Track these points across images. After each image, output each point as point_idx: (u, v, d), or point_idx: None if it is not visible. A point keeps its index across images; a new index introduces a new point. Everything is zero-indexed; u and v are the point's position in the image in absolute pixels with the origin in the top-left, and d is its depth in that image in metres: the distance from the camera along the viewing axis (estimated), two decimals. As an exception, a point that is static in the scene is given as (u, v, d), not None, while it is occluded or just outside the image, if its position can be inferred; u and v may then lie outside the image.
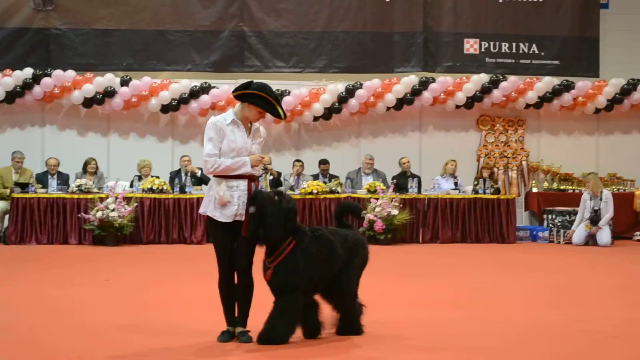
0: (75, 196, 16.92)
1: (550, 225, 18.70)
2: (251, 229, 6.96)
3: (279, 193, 7.17)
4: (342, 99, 19.65)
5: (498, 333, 7.66)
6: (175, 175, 18.26)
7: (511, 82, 20.01)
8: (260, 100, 7.15)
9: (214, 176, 7.23)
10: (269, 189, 7.68)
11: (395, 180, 18.50)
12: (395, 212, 17.01)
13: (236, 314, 7.28)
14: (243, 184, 7.17)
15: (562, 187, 20.08)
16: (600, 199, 17.71)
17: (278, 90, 18.66)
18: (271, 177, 18.31)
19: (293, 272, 6.99)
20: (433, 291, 10.61)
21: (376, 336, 7.44)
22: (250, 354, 6.72)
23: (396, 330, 7.75)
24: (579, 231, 17.77)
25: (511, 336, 7.54)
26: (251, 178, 7.22)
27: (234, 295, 7.25)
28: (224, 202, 7.08)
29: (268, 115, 7.24)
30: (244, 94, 7.20)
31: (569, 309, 9.20)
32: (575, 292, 10.66)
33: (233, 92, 7.33)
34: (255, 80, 7.32)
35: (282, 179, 18.68)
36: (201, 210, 7.29)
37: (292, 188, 18.14)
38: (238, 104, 7.31)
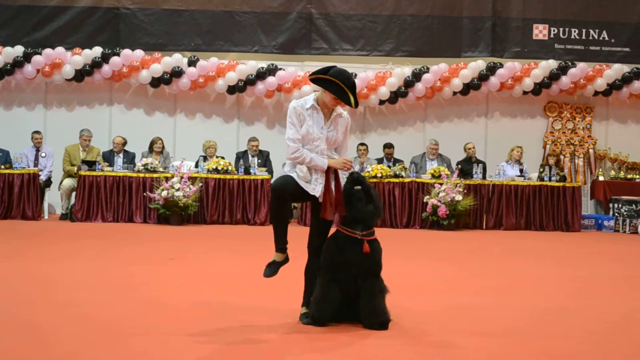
0: (141, 175, 17.08)
1: (616, 214, 18.50)
2: (361, 207, 7.06)
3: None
4: (409, 83, 19.59)
5: (558, 323, 7.61)
6: (242, 155, 18.35)
7: (580, 68, 19.79)
8: (334, 87, 7.06)
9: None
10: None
11: (460, 166, 18.39)
12: (459, 197, 16.94)
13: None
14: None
15: (629, 176, 19.86)
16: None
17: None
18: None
19: (380, 254, 7.20)
20: (483, 277, 10.56)
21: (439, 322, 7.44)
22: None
23: (444, 316, 7.73)
24: (645, 221, 17.64)
25: (577, 326, 7.48)
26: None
27: (288, 219, 7.35)
28: (306, 180, 7.08)
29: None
30: (319, 79, 7.17)
31: (632, 299, 9.11)
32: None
33: (310, 75, 7.30)
34: (336, 66, 7.27)
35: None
36: (284, 169, 7.33)
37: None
38: (321, 89, 7.27)
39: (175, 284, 9.24)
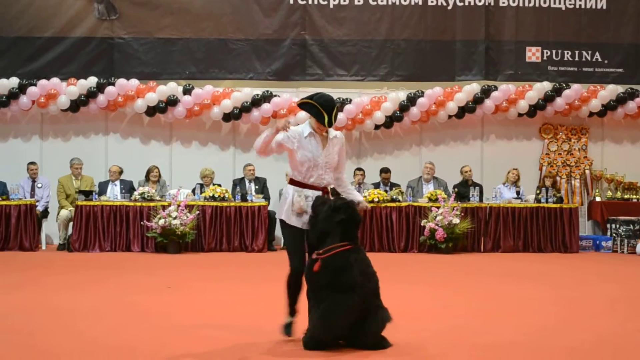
0: (138, 204, 17.08)
1: (614, 234, 18.50)
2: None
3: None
4: (404, 107, 19.61)
5: (558, 344, 7.60)
6: (238, 182, 18.37)
7: (574, 90, 19.81)
8: (313, 110, 7.36)
9: (290, 184, 7.51)
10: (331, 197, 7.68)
11: (456, 189, 18.37)
12: (456, 220, 16.94)
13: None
14: (317, 195, 7.46)
15: (626, 196, 19.84)
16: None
17: (339, 98, 18.64)
18: (332, 186, 18.30)
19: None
20: (481, 300, 10.56)
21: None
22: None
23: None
24: (643, 241, 17.64)
25: (572, 346, 7.47)
26: (324, 190, 7.53)
27: (299, 290, 7.40)
28: (301, 211, 7.32)
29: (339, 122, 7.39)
30: (303, 103, 7.42)
31: (629, 319, 9.10)
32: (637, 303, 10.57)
33: (298, 102, 7.55)
34: (321, 93, 7.45)
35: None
36: (278, 215, 7.57)
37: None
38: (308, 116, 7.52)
39: (172, 312, 9.28)
